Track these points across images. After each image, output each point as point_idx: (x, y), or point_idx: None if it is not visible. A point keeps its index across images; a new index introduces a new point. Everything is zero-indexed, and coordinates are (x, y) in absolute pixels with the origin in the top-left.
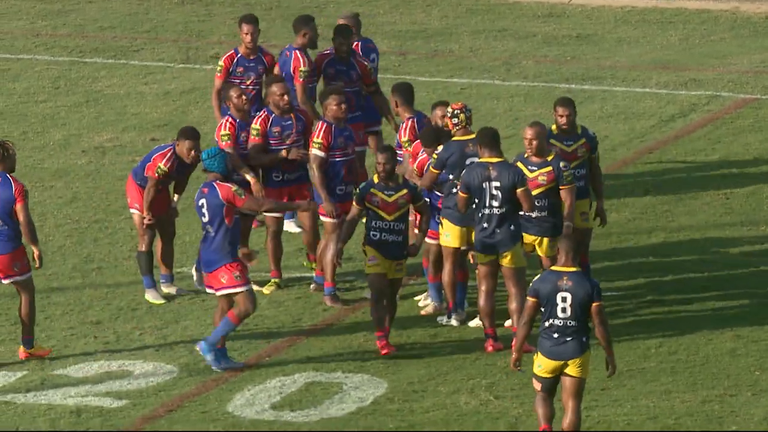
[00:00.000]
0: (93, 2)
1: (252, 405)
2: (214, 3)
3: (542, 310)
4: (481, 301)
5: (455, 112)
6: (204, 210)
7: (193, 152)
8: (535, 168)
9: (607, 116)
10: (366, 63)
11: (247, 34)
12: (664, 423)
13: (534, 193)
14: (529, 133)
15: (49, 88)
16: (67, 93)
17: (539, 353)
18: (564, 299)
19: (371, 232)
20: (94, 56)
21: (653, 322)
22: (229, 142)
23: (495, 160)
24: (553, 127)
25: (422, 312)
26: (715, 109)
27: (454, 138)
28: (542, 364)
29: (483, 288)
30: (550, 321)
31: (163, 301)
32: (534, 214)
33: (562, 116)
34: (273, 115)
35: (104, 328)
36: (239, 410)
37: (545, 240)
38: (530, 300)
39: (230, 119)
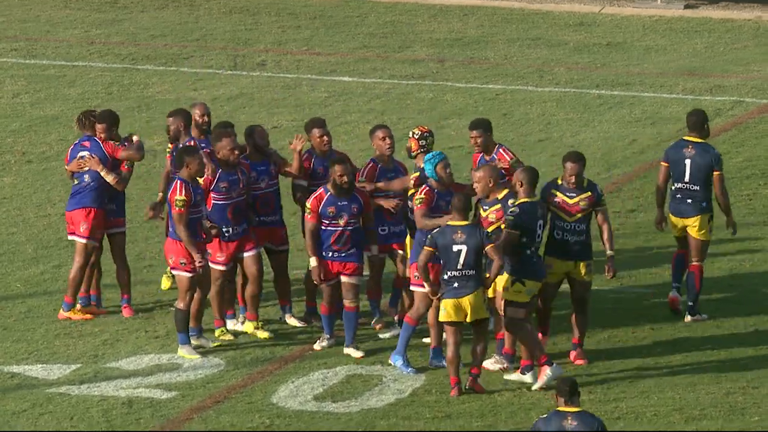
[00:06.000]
0: (145, 12)
1: (295, 396)
2: (261, 12)
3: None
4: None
5: (424, 134)
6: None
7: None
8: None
9: (636, 120)
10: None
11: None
12: (689, 414)
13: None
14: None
15: (103, 94)
16: (120, 98)
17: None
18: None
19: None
20: (146, 63)
21: (679, 317)
22: None
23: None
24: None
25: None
26: (739, 114)
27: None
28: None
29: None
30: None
31: (196, 356)
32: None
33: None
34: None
35: (155, 323)
36: (283, 401)
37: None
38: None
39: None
